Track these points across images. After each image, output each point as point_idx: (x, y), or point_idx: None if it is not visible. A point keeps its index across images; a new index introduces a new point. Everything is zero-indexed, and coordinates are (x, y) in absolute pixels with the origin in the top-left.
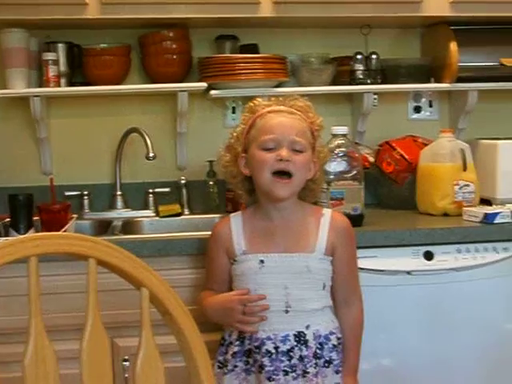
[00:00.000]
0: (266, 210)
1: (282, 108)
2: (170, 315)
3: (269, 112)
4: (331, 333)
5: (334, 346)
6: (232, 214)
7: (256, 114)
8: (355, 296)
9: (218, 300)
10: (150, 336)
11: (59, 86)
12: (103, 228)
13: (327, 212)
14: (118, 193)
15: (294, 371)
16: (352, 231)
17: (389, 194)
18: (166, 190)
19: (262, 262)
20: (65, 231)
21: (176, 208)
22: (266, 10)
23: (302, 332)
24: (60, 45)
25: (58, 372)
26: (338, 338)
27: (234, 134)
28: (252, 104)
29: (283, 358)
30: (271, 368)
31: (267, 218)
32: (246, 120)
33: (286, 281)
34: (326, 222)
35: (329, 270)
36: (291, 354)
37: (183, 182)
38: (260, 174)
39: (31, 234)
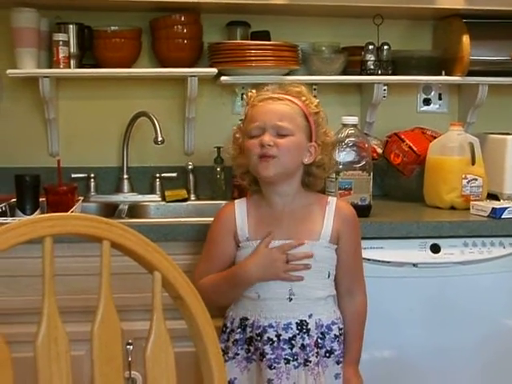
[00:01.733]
0: (268, 197)
1: (270, 95)
2: (182, 300)
3: (259, 101)
4: (333, 323)
5: (336, 336)
6: (237, 200)
7: (249, 105)
8: (359, 286)
9: (258, 255)
10: (161, 320)
11: (69, 67)
12: (109, 211)
13: (332, 200)
14: (125, 176)
15: (296, 360)
16: (357, 220)
17: (396, 186)
18: (173, 174)
19: None
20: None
21: (182, 193)
22: None
23: (305, 321)
24: (71, 26)
25: (69, 353)
26: (340, 329)
27: (236, 128)
28: (245, 96)
29: (285, 346)
30: (272, 356)
31: (270, 205)
32: (244, 112)
33: None
34: (332, 209)
35: (334, 259)
36: (293, 342)
37: (190, 167)
38: (249, 160)
39: (38, 215)
